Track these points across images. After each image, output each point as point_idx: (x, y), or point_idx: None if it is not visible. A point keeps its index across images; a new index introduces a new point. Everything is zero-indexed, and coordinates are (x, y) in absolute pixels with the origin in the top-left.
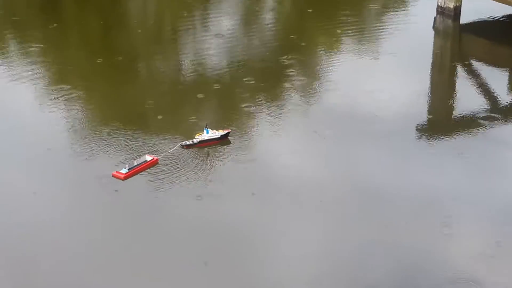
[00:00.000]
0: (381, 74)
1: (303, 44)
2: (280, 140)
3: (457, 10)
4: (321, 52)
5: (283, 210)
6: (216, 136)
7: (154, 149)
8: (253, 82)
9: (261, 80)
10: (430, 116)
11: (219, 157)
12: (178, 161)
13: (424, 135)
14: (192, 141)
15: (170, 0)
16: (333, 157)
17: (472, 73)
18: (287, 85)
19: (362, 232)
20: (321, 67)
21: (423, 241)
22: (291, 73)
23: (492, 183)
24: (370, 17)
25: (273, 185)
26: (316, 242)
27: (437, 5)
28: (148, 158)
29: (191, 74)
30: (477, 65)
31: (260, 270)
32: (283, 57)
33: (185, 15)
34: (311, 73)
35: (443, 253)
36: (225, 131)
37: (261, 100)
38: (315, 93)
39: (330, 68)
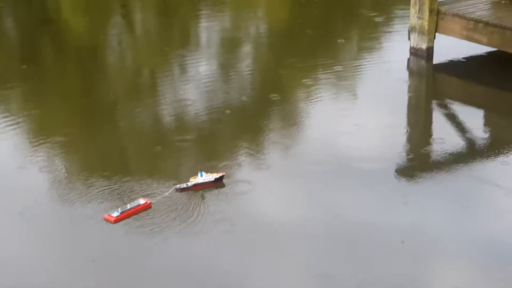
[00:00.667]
0: (358, 117)
1: (278, 90)
2: (269, 183)
3: (429, 51)
4: (298, 97)
5: (270, 254)
6: (210, 180)
7: (148, 193)
8: (234, 127)
9: (242, 125)
10: (409, 157)
11: (212, 200)
12: (171, 204)
13: (404, 176)
14: (186, 185)
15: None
16: (317, 199)
17: (448, 112)
18: (267, 129)
19: (345, 270)
20: (299, 112)
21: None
22: (270, 118)
23: (474, 221)
24: (345, 61)
25: (256, 226)
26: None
27: (410, 47)
28: (142, 201)
29: (173, 120)
30: (452, 104)
31: None
32: (261, 102)
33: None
34: (289, 118)
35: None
36: (219, 174)
37: (244, 144)
38: (295, 138)
39: (308, 113)
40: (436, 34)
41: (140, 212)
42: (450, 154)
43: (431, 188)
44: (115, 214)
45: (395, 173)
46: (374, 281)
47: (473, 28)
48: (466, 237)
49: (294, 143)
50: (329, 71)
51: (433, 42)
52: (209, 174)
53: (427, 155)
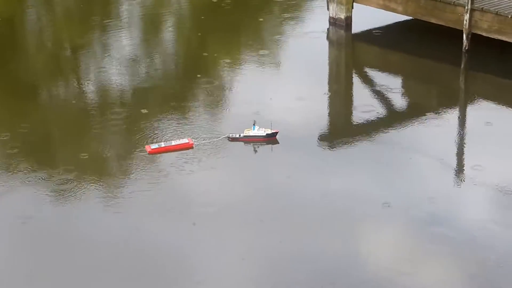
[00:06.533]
0: (279, 87)
1: (203, 66)
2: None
3: (348, 21)
4: (224, 68)
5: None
6: (261, 134)
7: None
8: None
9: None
10: (331, 125)
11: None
12: (213, 149)
13: (327, 144)
14: (239, 135)
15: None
16: (240, 165)
17: (367, 80)
18: (192, 105)
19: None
20: (221, 85)
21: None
22: (195, 94)
23: (394, 185)
24: (266, 33)
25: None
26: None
27: (329, 17)
28: (186, 140)
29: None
30: (371, 72)
31: None
32: (187, 79)
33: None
34: (213, 92)
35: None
36: (273, 131)
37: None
38: (219, 111)
39: (231, 86)
40: (354, 4)
41: (180, 150)
42: (370, 121)
43: (352, 155)
44: (154, 146)
45: (318, 141)
46: (306, 244)
47: None
48: (388, 201)
49: (217, 115)
50: (251, 43)
51: (351, 11)
52: (262, 128)
53: (348, 123)
